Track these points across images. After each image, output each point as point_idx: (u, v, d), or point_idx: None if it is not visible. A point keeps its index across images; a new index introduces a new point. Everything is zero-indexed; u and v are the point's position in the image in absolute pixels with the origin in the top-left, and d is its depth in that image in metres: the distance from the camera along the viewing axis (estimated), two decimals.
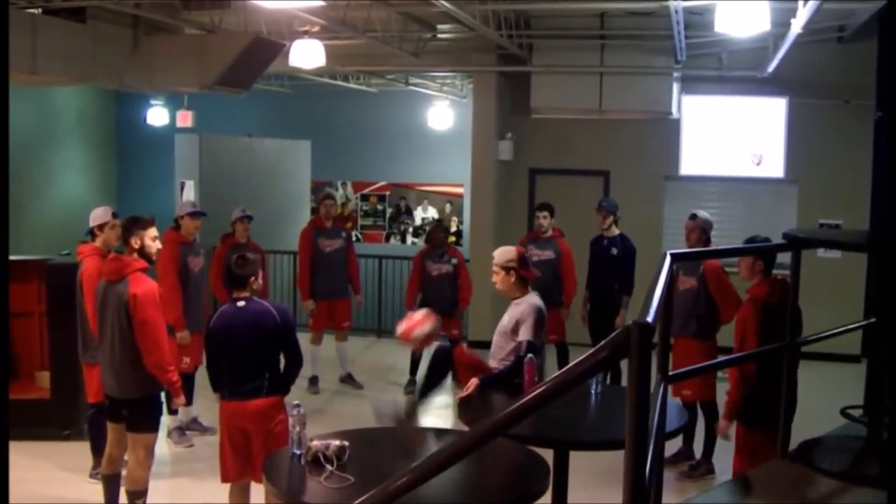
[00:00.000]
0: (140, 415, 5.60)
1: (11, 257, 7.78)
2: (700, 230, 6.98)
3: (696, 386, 6.62)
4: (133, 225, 5.70)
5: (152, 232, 5.73)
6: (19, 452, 6.68)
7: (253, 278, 5.28)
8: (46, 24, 7.74)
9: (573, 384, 2.20)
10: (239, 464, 5.25)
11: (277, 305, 5.45)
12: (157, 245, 5.81)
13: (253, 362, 5.19)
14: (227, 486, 5.37)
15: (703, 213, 7.14)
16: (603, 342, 2.09)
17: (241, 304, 5.23)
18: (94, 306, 5.85)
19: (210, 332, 5.31)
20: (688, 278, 6.77)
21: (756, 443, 5.09)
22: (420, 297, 9.33)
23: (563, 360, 8.88)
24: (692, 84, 11.25)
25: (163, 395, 5.83)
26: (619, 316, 8.47)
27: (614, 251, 8.54)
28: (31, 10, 7.61)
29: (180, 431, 7.71)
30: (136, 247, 5.63)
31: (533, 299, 5.55)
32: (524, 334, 5.42)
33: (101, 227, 6.67)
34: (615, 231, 8.57)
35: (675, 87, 10.91)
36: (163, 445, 7.70)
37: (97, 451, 6.81)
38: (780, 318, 5.42)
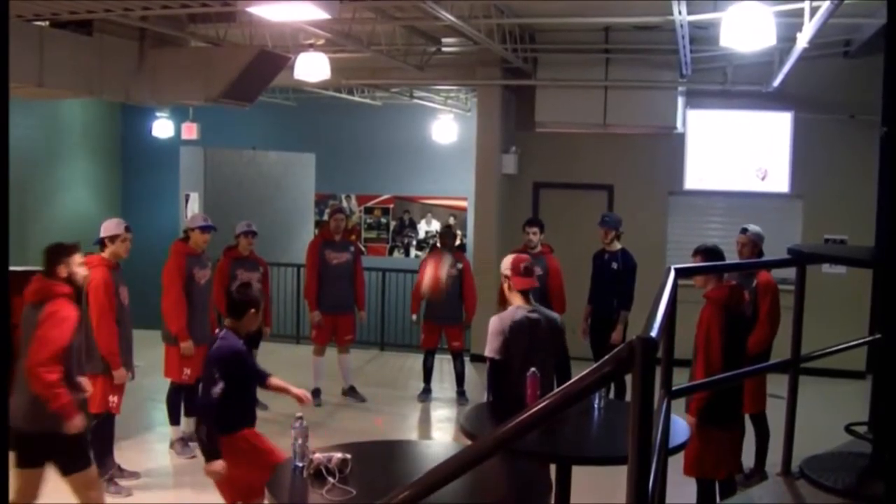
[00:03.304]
0: (67, 452, 5.18)
1: (17, 268, 7.80)
2: (752, 244, 7.00)
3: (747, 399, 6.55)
4: (59, 253, 5.39)
5: (78, 258, 5.46)
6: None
7: (253, 311, 5.13)
8: (53, 37, 7.76)
9: (576, 399, 2.19)
10: None
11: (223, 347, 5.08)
12: (84, 271, 5.54)
13: None
14: None
15: (753, 227, 7.14)
16: (607, 357, 2.08)
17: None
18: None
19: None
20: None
21: (711, 439, 5.28)
22: (424, 303, 9.39)
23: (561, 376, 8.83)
24: (697, 98, 11.25)
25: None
26: (616, 331, 8.45)
27: (615, 266, 8.53)
28: (39, 23, 7.63)
29: (183, 443, 7.69)
30: (64, 276, 5.33)
31: (504, 312, 5.34)
32: (486, 350, 5.29)
33: (112, 238, 6.70)
34: (617, 246, 8.57)
35: (680, 101, 10.91)
36: (166, 457, 7.71)
37: (101, 463, 6.82)
38: (737, 321, 5.52)
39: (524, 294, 5.34)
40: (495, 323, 5.26)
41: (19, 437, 5.02)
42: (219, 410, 4.86)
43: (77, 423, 5.14)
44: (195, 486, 6.99)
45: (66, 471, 5.21)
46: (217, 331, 5.19)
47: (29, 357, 5.05)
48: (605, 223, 8.60)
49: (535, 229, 8.84)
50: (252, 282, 7.96)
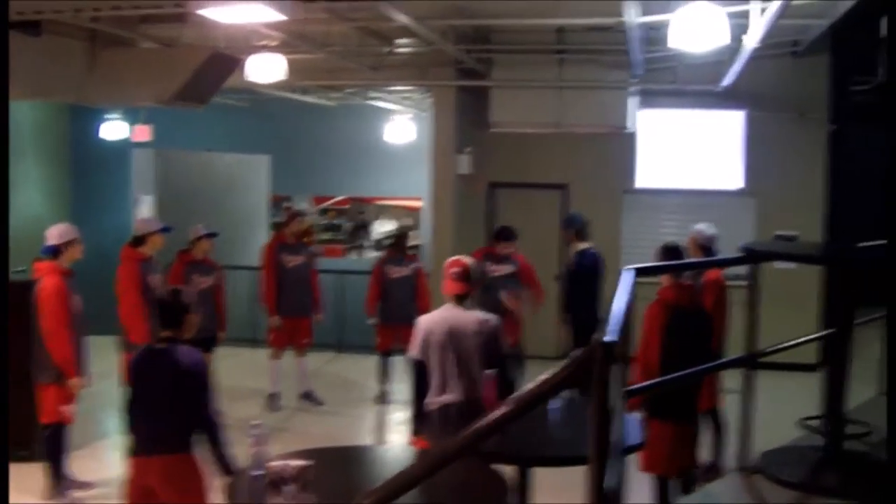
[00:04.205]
0: None
1: None
2: (695, 245, 6.96)
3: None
4: None
5: None
6: None
7: (192, 315, 4.85)
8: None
9: (540, 401, 2.21)
10: None
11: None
12: None
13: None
14: None
15: (701, 227, 7.12)
16: (566, 361, 2.09)
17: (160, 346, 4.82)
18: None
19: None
20: None
21: (660, 434, 5.35)
22: (380, 305, 9.43)
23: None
24: (649, 98, 11.35)
25: None
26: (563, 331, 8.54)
27: (573, 267, 8.61)
28: None
29: None
30: None
31: (428, 314, 5.54)
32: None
33: (68, 243, 6.61)
34: (578, 247, 8.60)
35: (632, 101, 11.00)
36: (120, 466, 7.61)
37: (55, 473, 6.72)
38: (687, 320, 5.61)
39: (454, 297, 5.39)
40: (417, 324, 5.41)
41: None
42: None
43: None
44: None
45: None
46: (156, 345, 4.84)
47: None
48: (562, 225, 8.70)
49: (510, 243, 8.83)
50: (198, 284, 7.93)
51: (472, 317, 5.36)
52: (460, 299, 5.39)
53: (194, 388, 4.71)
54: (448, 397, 5.28)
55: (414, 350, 5.37)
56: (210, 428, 4.69)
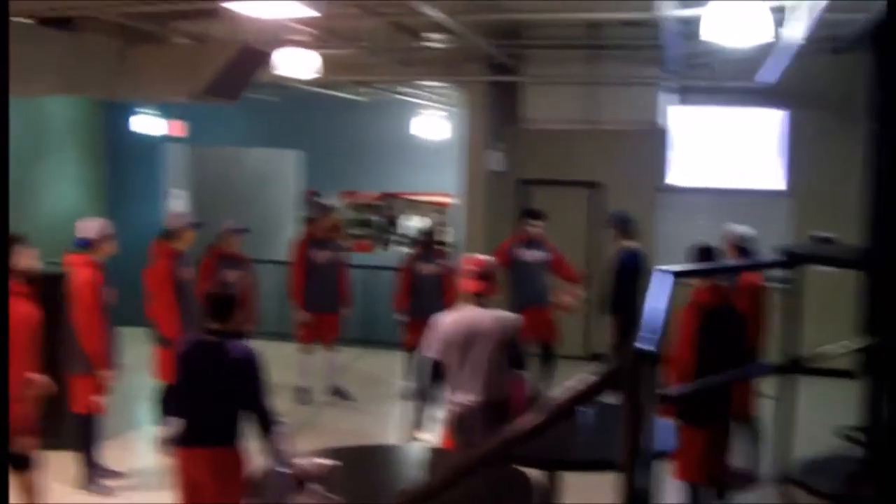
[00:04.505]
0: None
1: None
2: (732, 246, 6.87)
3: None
4: (12, 244, 5.21)
5: (24, 250, 5.38)
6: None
7: (237, 308, 4.89)
8: (34, 35, 7.65)
9: (572, 410, 2.14)
10: None
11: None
12: (23, 263, 5.40)
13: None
14: None
15: (735, 227, 7.03)
16: (600, 369, 2.02)
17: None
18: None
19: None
20: None
21: (690, 439, 5.25)
22: (408, 301, 9.39)
23: (546, 362, 8.83)
24: (685, 94, 11.19)
25: None
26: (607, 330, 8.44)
27: (616, 266, 8.54)
28: (19, 20, 7.52)
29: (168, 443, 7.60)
30: (18, 268, 5.23)
31: (445, 313, 5.45)
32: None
33: (104, 238, 6.66)
34: (622, 245, 8.57)
35: (667, 97, 10.85)
36: (151, 456, 7.62)
37: (87, 462, 6.77)
38: (721, 323, 5.49)
39: (473, 296, 5.34)
40: (435, 323, 5.34)
41: None
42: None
43: (28, 444, 5.38)
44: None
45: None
46: (205, 337, 4.83)
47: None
48: (608, 222, 8.67)
49: (541, 223, 8.93)
50: (228, 278, 7.90)
51: (490, 315, 5.31)
52: (479, 297, 5.33)
53: (247, 381, 4.71)
54: (467, 397, 5.21)
55: (430, 349, 5.29)
56: (265, 420, 4.65)
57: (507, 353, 5.26)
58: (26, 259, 5.34)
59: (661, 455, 4.21)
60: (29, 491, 5.45)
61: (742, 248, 6.86)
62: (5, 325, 3.97)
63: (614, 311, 8.47)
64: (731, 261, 6.97)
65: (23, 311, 5.18)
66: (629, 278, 8.33)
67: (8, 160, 2.50)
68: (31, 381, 6.30)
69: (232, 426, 4.73)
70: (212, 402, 4.70)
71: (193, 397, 4.76)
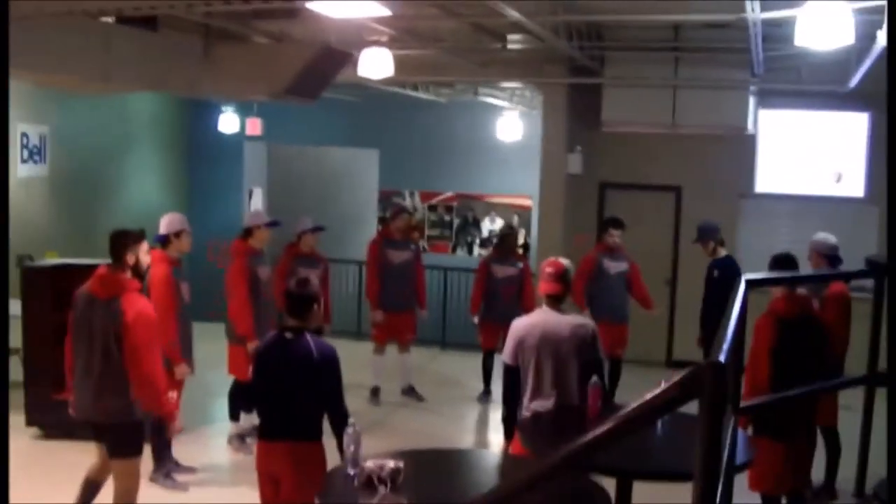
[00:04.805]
0: (120, 441, 5.30)
1: (80, 261, 7.87)
2: (819, 256, 6.66)
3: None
4: (126, 239, 5.34)
5: (145, 246, 5.44)
6: (71, 451, 6.79)
7: (316, 306, 4.85)
8: (119, 34, 7.82)
9: (645, 421, 2.08)
10: None
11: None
12: (148, 259, 5.53)
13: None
14: None
15: (821, 235, 6.84)
16: (674, 380, 1.95)
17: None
18: (72, 319, 5.41)
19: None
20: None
21: (767, 451, 5.09)
22: (484, 303, 9.35)
23: (612, 378, 8.70)
24: (769, 98, 10.93)
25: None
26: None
27: (715, 273, 8.37)
28: (105, 20, 7.69)
29: (240, 439, 7.69)
30: (132, 263, 5.30)
31: (523, 317, 5.41)
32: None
33: (178, 233, 6.73)
34: (721, 253, 8.49)
35: (752, 101, 10.60)
36: (223, 452, 7.72)
37: (159, 456, 6.86)
38: (799, 333, 5.30)
39: (549, 299, 5.29)
40: (511, 328, 5.28)
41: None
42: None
43: (177, 428, 5.61)
44: (251, 483, 6.96)
45: (114, 453, 5.30)
46: (285, 334, 4.81)
47: (137, 364, 5.13)
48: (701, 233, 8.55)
49: (620, 231, 8.87)
50: (309, 276, 7.94)
51: (567, 321, 5.26)
52: (555, 300, 5.29)
53: (326, 378, 4.72)
54: (543, 403, 5.15)
55: (507, 354, 5.27)
56: (338, 419, 4.64)
57: (583, 359, 5.18)
58: (143, 253, 5.42)
59: (739, 468, 4.09)
60: (132, 476, 5.43)
61: (828, 256, 6.64)
62: (5, 325, 4.00)
63: (708, 321, 8.27)
64: (810, 270, 6.76)
65: (145, 305, 5.29)
66: (729, 286, 8.18)
67: (8, 160, 2.53)
68: (177, 369, 6.58)
69: (312, 421, 4.75)
70: (292, 396, 4.72)
71: (274, 392, 4.77)
